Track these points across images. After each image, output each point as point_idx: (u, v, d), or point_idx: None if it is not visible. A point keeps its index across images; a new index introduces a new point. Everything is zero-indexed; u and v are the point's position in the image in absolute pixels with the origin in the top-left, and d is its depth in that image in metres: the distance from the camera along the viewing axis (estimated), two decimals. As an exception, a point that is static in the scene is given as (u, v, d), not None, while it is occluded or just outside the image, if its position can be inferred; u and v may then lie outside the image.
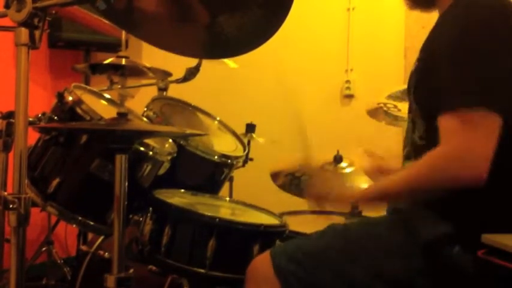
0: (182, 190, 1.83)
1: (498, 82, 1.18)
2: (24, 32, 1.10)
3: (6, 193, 1.11)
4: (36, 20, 1.10)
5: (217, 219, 1.54)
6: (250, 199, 1.91)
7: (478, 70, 1.18)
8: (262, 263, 1.38)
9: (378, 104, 2.33)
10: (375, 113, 2.35)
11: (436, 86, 1.22)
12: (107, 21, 1.80)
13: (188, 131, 1.86)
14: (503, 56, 1.20)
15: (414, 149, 1.35)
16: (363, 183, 2.06)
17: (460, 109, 1.16)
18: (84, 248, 1.87)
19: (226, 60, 2.46)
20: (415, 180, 1.23)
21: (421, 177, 1.22)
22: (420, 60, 1.33)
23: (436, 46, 1.26)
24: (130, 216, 1.61)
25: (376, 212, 1.45)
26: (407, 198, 1.29)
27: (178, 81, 2.31)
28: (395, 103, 2.31)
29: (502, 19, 1.21)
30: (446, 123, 1.18)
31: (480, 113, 1.15)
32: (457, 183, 1.16)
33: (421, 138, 1.33)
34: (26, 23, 1.09)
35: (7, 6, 1.10)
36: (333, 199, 1.40)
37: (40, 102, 2.82)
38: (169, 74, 1.81)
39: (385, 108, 2.30)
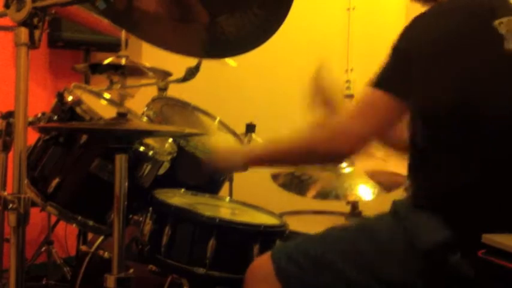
0: (182, 190, 1.83)
1: (415, 77, 1.22)
2: (24, 31, 1.10)
3: (6, 193, 1.11)
4: (36, 20, 1.10)
5: (217, 219, 1.54)
6: (250, 199, 1.91)
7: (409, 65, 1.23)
8: (262, 264, 1.38)
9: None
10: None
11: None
12: (106, 21, 1.80)
13: (188, 131, 1.85)
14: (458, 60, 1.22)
15: (413, 146, 1.35)
16: (363, 183, 2.07)
17: (365, 89, 1.25)
18: (84, 248, 1.87)
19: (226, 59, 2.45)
20: (296, 143, 1.34)
21: (301, 141, 1.33)
22: None
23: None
24: (130, 216, 1.61)
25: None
26: (286, 159, 1.42)
27: (178, 81, 2.31)
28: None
29: (476, 21, 1.23)
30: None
31: (376, 93, 1.23)
32: (323, 153, 1.29)
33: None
34: (26, 23, 1.09)
35: (7, 6, 1.10)
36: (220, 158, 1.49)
37: (40, 102, 2.82)
38: (169, 74, 1.82)
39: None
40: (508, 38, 1.20)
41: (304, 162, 1.45)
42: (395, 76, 1.25)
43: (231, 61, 2.38)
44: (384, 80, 1.24)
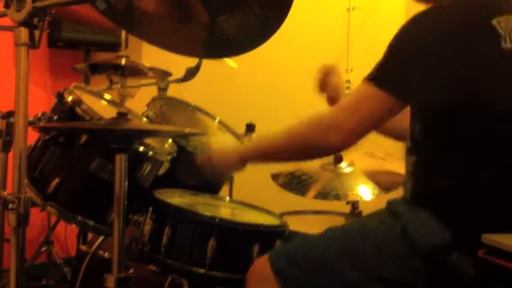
0: (182, 190, 1.83)
1: (414, 75, 1.22)
2: (24, 31, 1.10)
3: (6, 193, 1.11)
4: (35, 20, 1.10)
5: (217, 219, 1.54)
6: (250, 199, 1.91)
7: (401, 61, 1.24)
8: (261, 265, 1.38)
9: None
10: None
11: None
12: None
13: (188, 131, 1.86)
14: (445, 60, 1.21)
15: (413, 144, 1.35)
16: (363, 184, 2.07)
17: (361, 83, 1.25)
18: (84, 248, 1.87)
19: (226, 59, 2.46)
20: (287, 138, 1.34)
21: (292, 136, 1.34)
22: None
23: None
24: (130, 216, 1.61)
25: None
26: (281, 155, 1.40)
27: (178, 81, 2.31)
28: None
29: (476, 19, 1.23)
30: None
31: (372, 89, 1.22)
32: (314, 147, 1.30)
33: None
34: (26, 23, 1.09)
35: (7, 6, 1.10)
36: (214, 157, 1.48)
37: (40, 102, 2.82)
38: (169, 74, 1.81)
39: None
40: (506, 37, 1.21)
41: (297, 156, 1.45)
42: (392, 74, 1.24)
43: (231, 62, 2.39)
44: (381, 77, 1.23)
